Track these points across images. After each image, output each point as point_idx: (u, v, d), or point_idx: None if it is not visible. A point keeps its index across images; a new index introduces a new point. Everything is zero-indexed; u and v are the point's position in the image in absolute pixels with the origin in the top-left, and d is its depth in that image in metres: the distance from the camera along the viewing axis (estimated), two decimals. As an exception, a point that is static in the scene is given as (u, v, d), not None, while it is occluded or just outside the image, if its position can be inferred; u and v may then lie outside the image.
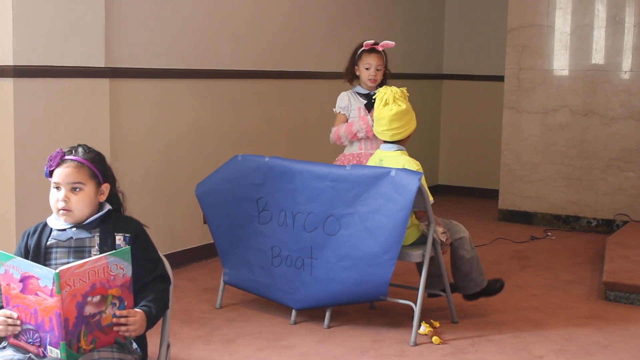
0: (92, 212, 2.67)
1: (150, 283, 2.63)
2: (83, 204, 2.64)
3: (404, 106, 4.13)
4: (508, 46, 7.04)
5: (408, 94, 4.22)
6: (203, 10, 5.36)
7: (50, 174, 2.66)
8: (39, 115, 4.27)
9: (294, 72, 6.21)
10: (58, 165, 2.64)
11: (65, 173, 2.63)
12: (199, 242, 5.44)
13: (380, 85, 4.70)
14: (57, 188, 2.64)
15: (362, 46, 4.75)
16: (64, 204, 2.61)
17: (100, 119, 4.61)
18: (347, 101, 4.75)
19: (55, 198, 2.64)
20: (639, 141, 6.63)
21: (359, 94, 4.76)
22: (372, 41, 4.73)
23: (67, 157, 2.66)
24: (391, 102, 4.13)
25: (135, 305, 2.54)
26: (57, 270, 2.28)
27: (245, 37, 5.74)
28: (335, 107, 4.79)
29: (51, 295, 2.30)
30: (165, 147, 5.17)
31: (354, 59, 4.78)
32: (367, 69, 4.70)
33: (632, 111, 6.64)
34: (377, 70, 4.70)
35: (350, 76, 4.83)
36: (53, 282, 2.28)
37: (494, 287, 4.44)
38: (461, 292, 4.39)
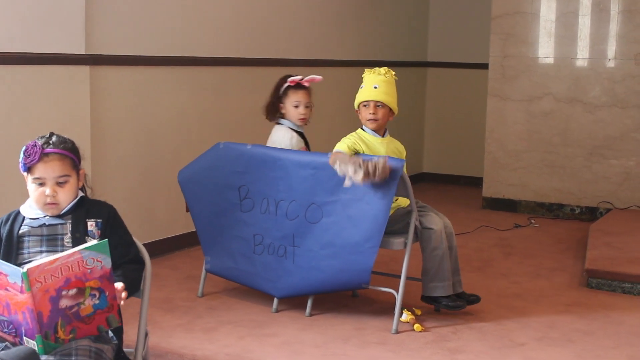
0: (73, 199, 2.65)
1: (121, 265, 2.60)
2: (69, 194, 2.61)
3: None
4: (492, 34, 7.03)
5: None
6: (185, -4, 5.32)
7: (29, 169, 2.58)
8: (18, 103, 4.22)
9: (277, 59, 6.18)
10: (39, 159, 2.57)
11: (52, 167, 2.57)
12: (181, 230, 5.41)
13: None
14: (41, 184, 2.58)
15: (286, 81, 4.43)
16: (52, 199, 2.58)
17: (81, 107, 4.58)
18: (296, 140, 4.40)
19: (40, 193, 2.58)
20: (623, 129, 6.65)
21: (295, 130, 4.43)
22: (299, 77, 4.41)
23: (47, 150, 2.57)
24: None
25: None
26: (25, 270, 2.24)
27: (229, 24, 5.70)
28: (275, 142, 4.41)
29: (21, 292, 2.26)
30: (147, 134, 5.14)
31: (278, 95, 4.43)
32: (295, 106, 4.40)
33: (616, 99, 6.65)
34: (307, 107, 4.39)
35: (272, 113, 4.48)
36: (22, 280, 2.25)
37: (453, 303, 4.11)
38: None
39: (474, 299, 4.23)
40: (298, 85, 4.42)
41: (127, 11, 4.90)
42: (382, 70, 4.22)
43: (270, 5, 6.11)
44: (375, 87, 4.16)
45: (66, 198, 2.61)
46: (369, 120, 4.17)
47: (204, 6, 5.48)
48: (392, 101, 4.19)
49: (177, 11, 5.26)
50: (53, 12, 4.35)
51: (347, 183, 3.82)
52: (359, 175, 3.73)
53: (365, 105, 4.19)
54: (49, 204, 2.59)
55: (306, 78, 4.43)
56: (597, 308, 4.41)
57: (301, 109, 4.41)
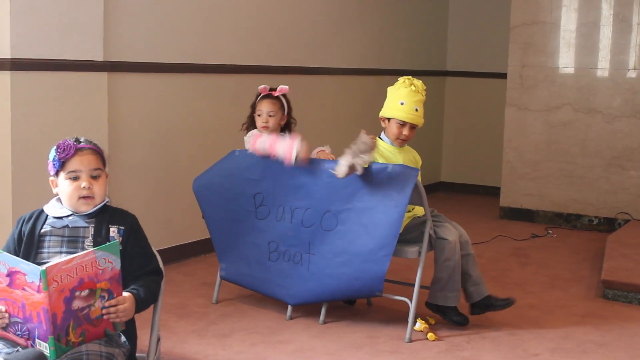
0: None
1: (142, 276, 2.62)
2: (103, 190, 2.65)
3: None
4: (511, 43, 7.02)
5: None
6: (203, 4, 5.35)
7: (62, 165, 2.62)
8: (36, 108, 4.26)
9: (294, 67, 6.20)
10: (75, 153, 2.62)
11: (87, 160, 2.63)
12: (198, 236, 5.43)
13: (283, 131, 4.46)
14: (76, 177, 2.61)
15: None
16: (88, 191, 2.60)
17: (99, 113, 4.61)
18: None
19: (76, 187, 2.61)
20: (642, 139, 6.61)
21: None
22: (264, 86, 4.49)
23: (80, 145, 2.64)
24: None
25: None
26: (44, 268, 2.27)
27: (247, 32, 5.73)
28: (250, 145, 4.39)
29: (38, 292, 2.29)
30: (163, 141, 5.17)
31: (254, 106, 4.52)
32: (259, 115, 4.45)
33: (636, 109, 6.61)
34: (270, 116, 4.40)
35: (249, 124, 4.54)
36: (40, 279, 2.27)
37: (457, 317, 4.14)
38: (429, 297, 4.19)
39: (509, 302, 4.19)
40: (266, 95, 4.47)
41: (145, 18, 4.94)
42: (421, 87, 4.16)
43: (290, 13, 6.13)
44: (417, 110, 4.13)
45: (100, 193, 2.64)
46: (399, 139, 4.17)
47: (223, 14, 5.51)
48: (422, 122, 4.22)
49: (196, 19, 5.30)
50: (72, 18, 4.39)
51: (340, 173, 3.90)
52: (356, 160, 3.85)
53: (400, 124, 4.15)
54: (84, 197, 2.61)
55: (278, 88, 4.48)
56: (612, 319, 4.38)
57: (263, 117, 4.42)
